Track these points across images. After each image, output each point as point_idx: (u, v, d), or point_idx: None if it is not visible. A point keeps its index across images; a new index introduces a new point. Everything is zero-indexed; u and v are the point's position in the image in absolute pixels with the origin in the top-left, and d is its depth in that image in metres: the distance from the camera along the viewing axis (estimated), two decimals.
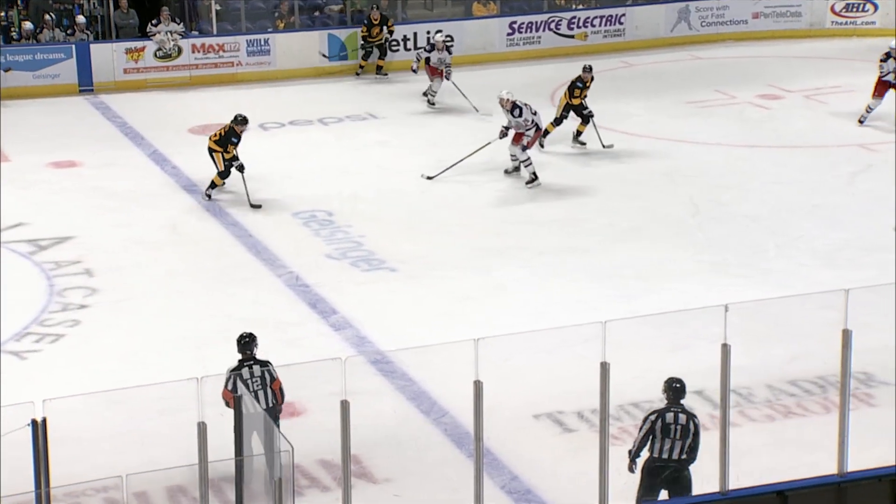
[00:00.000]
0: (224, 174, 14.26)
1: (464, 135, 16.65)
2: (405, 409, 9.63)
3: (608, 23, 21.79)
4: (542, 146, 15.74)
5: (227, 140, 14.18)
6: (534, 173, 14.48)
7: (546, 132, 15.69)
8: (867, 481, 7.70)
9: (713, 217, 13.82)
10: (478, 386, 7.02)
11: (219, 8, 20.51)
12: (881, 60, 16.77)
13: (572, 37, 20.40)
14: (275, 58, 20.07)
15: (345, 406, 6.87)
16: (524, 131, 14.51)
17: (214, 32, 20.16)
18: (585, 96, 15.74)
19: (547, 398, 9.40)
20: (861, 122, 16.73)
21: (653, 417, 7.79)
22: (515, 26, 21.35)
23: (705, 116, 17.50)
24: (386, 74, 19.98)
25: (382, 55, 20.08)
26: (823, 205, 14.07)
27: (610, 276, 12.14)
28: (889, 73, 16.51)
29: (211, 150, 14.35)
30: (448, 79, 17.85)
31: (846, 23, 22.32)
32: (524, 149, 14.55)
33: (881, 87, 16.62)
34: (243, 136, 14.21)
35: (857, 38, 21.86)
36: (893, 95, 16.49)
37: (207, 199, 14.33)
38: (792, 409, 9.52)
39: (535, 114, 14.59)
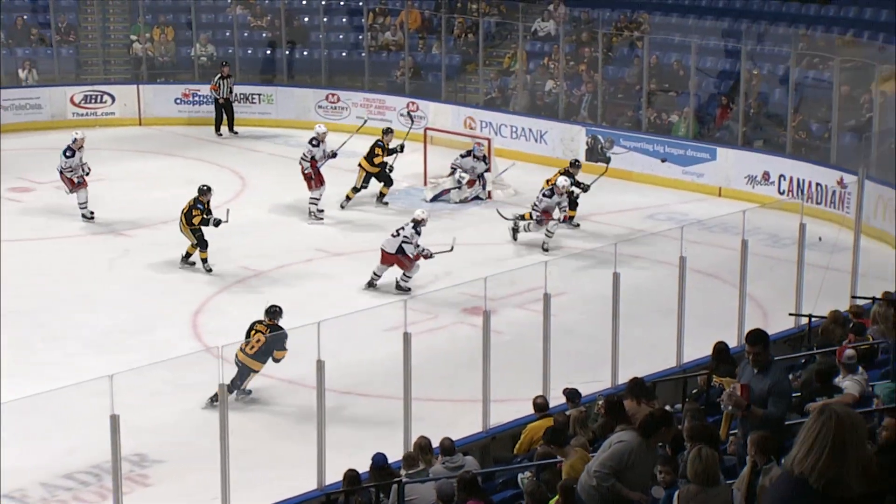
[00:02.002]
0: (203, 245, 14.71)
1: None
2: None
3: None
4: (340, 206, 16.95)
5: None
6: None
7: (348, 197, 17.19)
8: None
9: None
10: None
11: None
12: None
13: None
14: None
15: None
16: None
17: None
18: (389, 159, 16.97)
19: None
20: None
21: None
22: None
23: None
24: None
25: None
26: (88, 292, 14.14)
27: None
28: (320, 158, 16.59)
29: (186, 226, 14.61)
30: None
31: (87, 114, 22.74)
32: None
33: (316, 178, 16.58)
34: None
35: (100, 128, 22.32)
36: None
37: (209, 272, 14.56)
38: (69, 503, 9.38)
39: None
